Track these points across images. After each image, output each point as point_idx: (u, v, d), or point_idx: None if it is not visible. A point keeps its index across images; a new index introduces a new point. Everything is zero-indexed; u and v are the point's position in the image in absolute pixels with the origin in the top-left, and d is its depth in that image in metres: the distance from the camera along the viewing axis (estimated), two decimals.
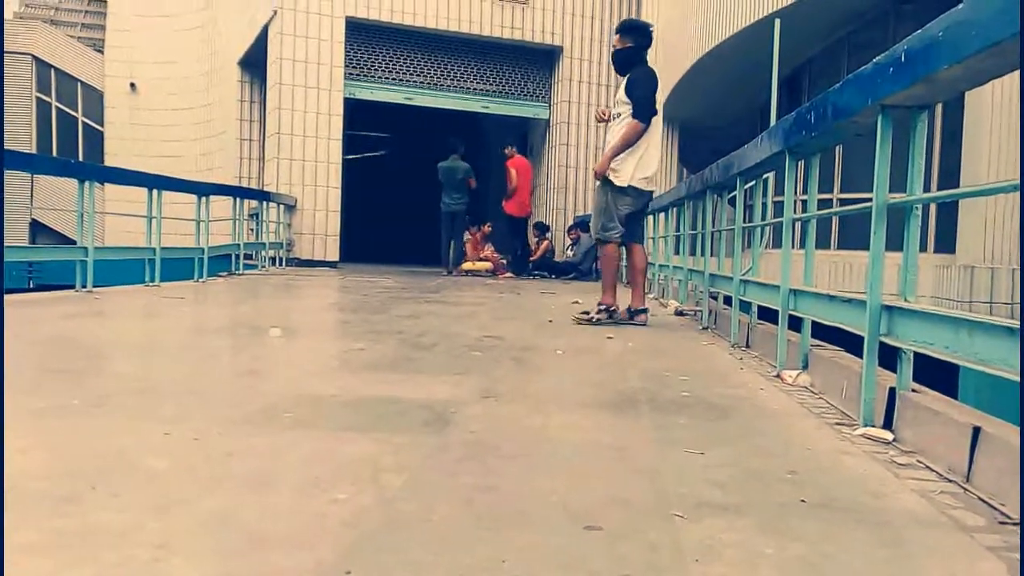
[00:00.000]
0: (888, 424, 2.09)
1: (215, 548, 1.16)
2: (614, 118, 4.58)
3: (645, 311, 4.65)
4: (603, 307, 4.51)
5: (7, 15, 18.10)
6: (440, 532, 1.24)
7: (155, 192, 6.59)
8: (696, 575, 1.13)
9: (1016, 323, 1.53)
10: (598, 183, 4.60)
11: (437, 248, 10.44)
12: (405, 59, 11.34)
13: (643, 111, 4.40)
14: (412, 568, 1.10)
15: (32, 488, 1.35)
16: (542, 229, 11.05)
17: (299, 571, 1.08)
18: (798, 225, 3.89)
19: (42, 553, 1.10)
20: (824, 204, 8.15)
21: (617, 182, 4.45)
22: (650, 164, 4.51)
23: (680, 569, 1.14)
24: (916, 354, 2.05)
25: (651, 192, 4.66)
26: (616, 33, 4.65)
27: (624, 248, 4.82)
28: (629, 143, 4.41)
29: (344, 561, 1.11)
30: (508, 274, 10.35)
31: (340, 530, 1.23)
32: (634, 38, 4.58)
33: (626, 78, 4.54)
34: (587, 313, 4.54)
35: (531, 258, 10.82)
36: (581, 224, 11.01)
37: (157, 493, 1.38)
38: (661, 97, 11.54)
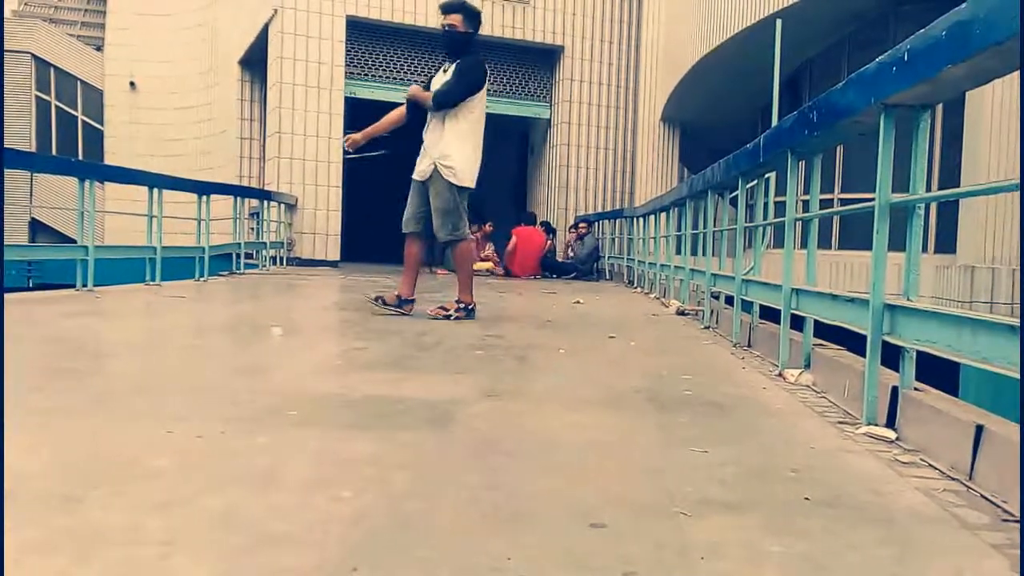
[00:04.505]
0: (891, 423, 2.09)
1: (220, 546, 1.15)
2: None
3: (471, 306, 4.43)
4: (463, 305, 4.36)
5: (6, 13, 18.09)
6: (445, 530, 1.24)
7: (156, 191, 6.58)
8: (702, 573, 1.13)
9: (1018, 321, 1.54)
10: (436, 185, 4.32)
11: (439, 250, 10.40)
12: (406, 58, 11.34)
13: (446, 98, 4.25)
14: (418, 566, 1.10)
15: (35, 487, 1.35)
16: (546, 229, 11.04)
17: (305, 569, 1.08)
18: (800, 225, 3.89)
19: (47, 552, 1.10)
20: (825, 204, 8.15)
21: (457, 182, 4.32)
22: (477, 160, 4.46)
23: (686, 567, 1.15)
24: (917, 353, 2.05)
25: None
26: (457, 12, 4.33)
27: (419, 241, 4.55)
28: (394, 124, 4.45)
29: (350, 559, 1.11)
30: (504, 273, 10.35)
31: (345, 528, 1.23)
32: (474, 24, 4.41)
33: (455, 65, 4.32)
34: (444, 309, 4.35)
35: None
36: (586, 221, 11.01)
37: (161, 492, 1.37)
38: (662, 97, 11.55)
